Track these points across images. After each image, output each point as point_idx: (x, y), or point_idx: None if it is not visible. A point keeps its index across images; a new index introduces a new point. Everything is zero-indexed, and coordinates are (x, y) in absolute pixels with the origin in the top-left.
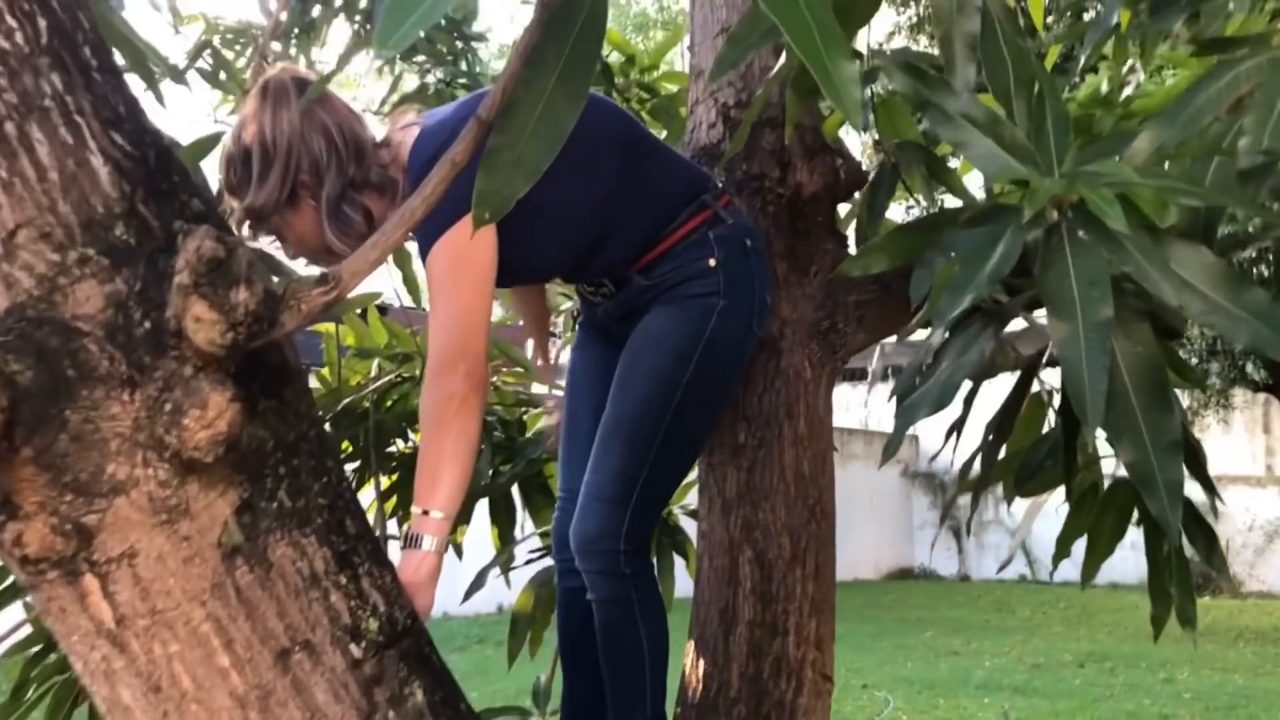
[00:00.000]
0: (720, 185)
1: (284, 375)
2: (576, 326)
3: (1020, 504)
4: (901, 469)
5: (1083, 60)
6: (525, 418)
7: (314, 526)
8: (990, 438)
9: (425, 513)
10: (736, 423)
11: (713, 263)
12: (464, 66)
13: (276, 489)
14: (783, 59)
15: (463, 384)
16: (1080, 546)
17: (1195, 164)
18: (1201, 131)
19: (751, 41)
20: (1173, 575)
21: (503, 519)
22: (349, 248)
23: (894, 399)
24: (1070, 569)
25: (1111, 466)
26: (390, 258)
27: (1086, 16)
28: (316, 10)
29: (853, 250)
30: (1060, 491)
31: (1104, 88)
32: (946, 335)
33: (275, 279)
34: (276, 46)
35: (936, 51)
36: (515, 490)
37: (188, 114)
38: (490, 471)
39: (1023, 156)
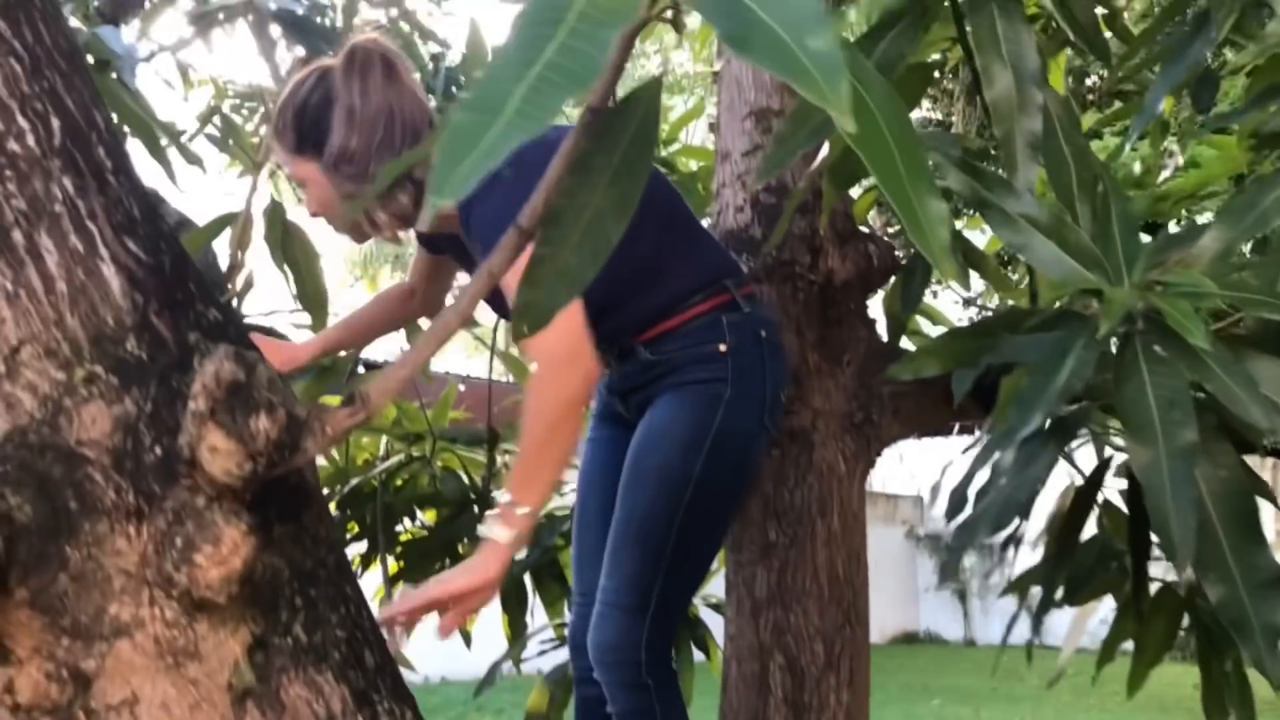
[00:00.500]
0: (746, 274)
1: (302, 496)
2: (592, 410)
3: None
4: (906, 530)
5: (1127, 147)
6: None
7: (331, 663)
8: (1051, 555)
9: (513, 507)
10: (766, 520)
11: (723, 348)
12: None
13: (292, 623)
14: (824, 151)
15: (582, 386)
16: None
17: (1266, 267)
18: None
19: (799, 141)
20: (1233, 694)
21: (514, 607)
22: (381, 227)
23: (948, 515)
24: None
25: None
26: (404, 332)
27: (1089, 81)
28: None
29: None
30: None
31: (1137, 169)
32: (1012, 451)
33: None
34: None
35: (940, 115)
36: (527, 575)
37: (195, 179)
38: None
39: (1089, 262)
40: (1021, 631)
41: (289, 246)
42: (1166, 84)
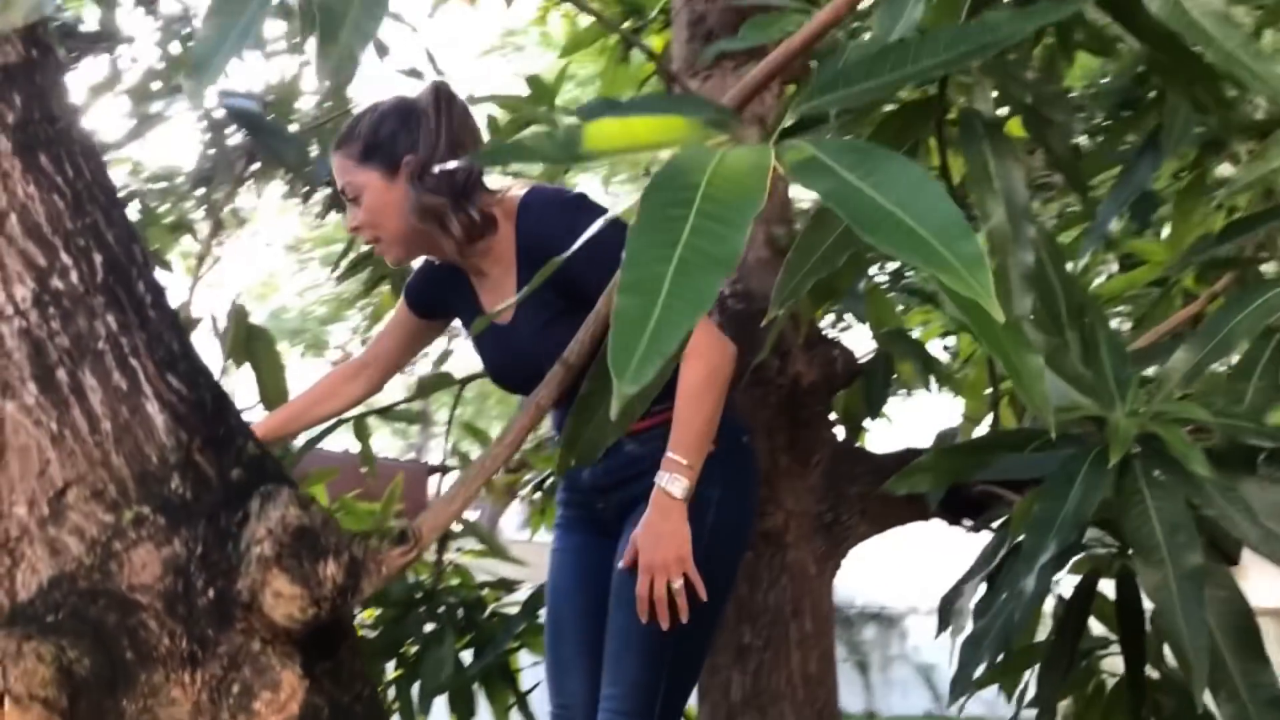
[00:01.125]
0: None
1: (339, 632)
2: (556, 519)
3: (928, 636)
4: None
5: (1082, 264)
6: (484, 595)
7: None
8: (1046, 673)
9: (689, 467)
10: (741, 623)
11: (711, 448)
12: None
13: None
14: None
15: (733, 361)
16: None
17: (1234, 385)
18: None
19: (806, 269)
20: None
21: (462, 710)
22: (453, 234)
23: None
24: (978, 706)
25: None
26: (353, 427)
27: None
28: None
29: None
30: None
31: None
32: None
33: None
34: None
35: None
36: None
37: None
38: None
39: (1086, 389)
40: (920, 702)
41: (253, 347)
42: (1116, 204)
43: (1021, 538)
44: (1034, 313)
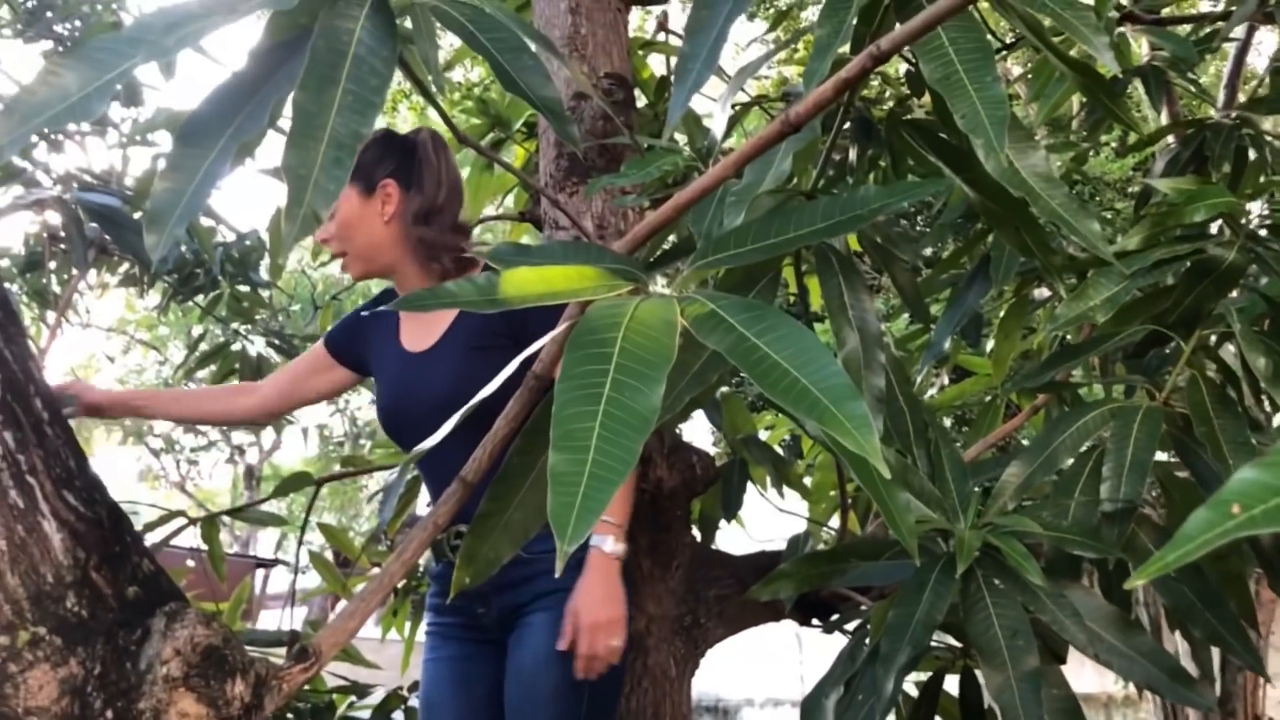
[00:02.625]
0: None
1: None
2: (428, 626)
3: None
4: None
5: (918, 380)
6: (334, 698)
7: None
8: None
9: (617, 525)
10: None
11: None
12: (276, 324)
13: None
14: None
15: None
16: None
17: (1058, 499)
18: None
19: (683, 385)
20: None
21: None
22: (435, 269)
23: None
24: None
25: None
26: (201, 528)
27: None
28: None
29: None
30: None
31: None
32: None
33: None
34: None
35: None
36: None
37: None
38: None
39: (933, 504)
40: None
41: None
42: (949, 327)
43: (879, 641)
44: (884, 432)
